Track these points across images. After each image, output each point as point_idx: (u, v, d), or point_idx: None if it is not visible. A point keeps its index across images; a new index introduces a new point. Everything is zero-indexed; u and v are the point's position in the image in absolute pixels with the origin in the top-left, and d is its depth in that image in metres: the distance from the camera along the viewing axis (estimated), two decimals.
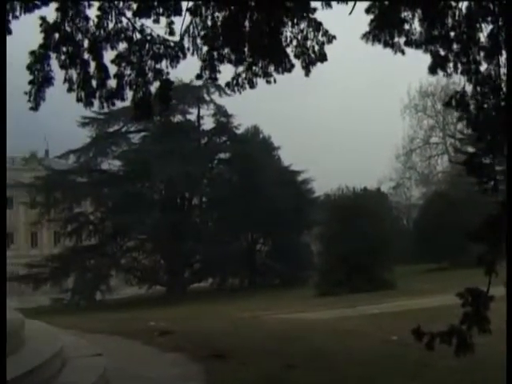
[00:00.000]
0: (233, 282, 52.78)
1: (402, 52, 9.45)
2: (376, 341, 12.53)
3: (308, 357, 10.36)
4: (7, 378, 6.48)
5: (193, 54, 9.48)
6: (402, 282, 33.72)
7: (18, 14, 8.75)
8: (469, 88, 8.46)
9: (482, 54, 8.56)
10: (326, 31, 9.70)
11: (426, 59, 9.51)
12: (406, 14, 9.40)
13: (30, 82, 9.15)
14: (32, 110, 9.23)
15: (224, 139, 54.52)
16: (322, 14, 9.65)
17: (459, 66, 8.91)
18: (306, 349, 11.24)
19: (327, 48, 9.87)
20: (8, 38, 8.77)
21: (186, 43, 9.49)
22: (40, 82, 9.14)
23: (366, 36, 9.11)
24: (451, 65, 9.04)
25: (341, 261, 35.03)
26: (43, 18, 8.98)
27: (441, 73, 9.45)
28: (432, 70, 9.30)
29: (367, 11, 9.18)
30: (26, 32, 10.53)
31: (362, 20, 9.41)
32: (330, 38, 9.77)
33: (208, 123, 52.95)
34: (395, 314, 18.77)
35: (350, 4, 8.91)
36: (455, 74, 9.09)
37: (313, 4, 9.53)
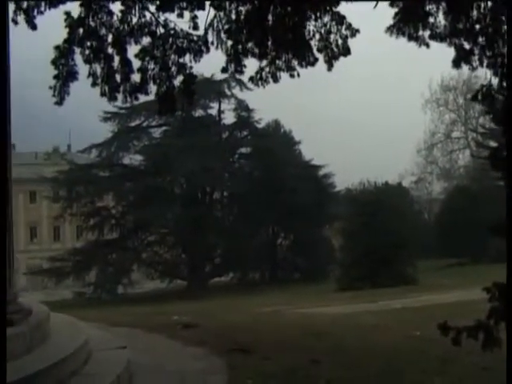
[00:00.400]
0: (254, 277, 52.91)
1: (427, 45, 9.38)
2: (399, 336, 12.45)
3: (331, 352, 10.31)
4: (34, 370, 6.55)
5: (217, 47, 9.48)
6: (424, 277, 33.55)
7: (42, 9, 8.80)
8: (495, 81, 8.35)
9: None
10: (350, 25, 9.63)
11: (448, 53, 9.44)
12: (430, 7, 9.33)
13: (55, 77, 9.20)
14: (57, 104, 9.29)
15: (245, 134, 54.58)
16: (345, 8, 9.60)
17: (484, 59, 8.83)
18: (329, 343, 11.19)
19: (350, 42, 9.83)
20: (33, 33, 8.83)
21: (210, 37, 9.49)
22: (64, 77, 9.19)
23: (390, 29, 9.06)
24: (476, 58, 8.97)
25: (362, 255, 34.95)
26: (68, 13, 9.02)
27: (465, 66, 9.39)
28: (456, 63, 9.23)
29: (391, 4, 9.12)
30: (50, 27, 10.58)
31: (380, 13, 9.35)
32: (354, 32, 9.70)
33: (229, 118, 53.13)
34: (418, 308, 18.67)
35: None
36: (480, 67, 9.01)
37: None
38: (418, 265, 36.67)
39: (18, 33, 8.79)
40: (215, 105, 52.59)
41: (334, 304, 22.79)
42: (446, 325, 5.96)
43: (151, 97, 10.16)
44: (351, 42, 9.70)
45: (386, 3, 9.01)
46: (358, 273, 34.34)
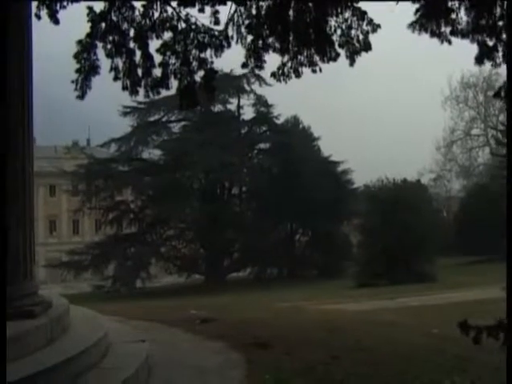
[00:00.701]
0: (271, 272, 52.87)
1: (449, 42, 9.32)
2: (417, 333, 12.41)
3: (350, 348, 10.29)
4: (54, 362, 6.60)
5: (237, 42, 9.50)
6: (442, 275, 33.38)
7: (65, 3, 8.84)
8: None
9: None
10: (371, 20, 9.61)
11: (469, 50, 9.38)
12: (452, 3, 9.27)
13: (77, 71, 9.26)
14: (79, 98, 9.35)
15: (264, 129, 54.52)
16: (365, 3, 9.56)
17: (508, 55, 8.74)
18: (348, 340, 11.17)
19: (371, 37, 9.79)
20: (55, 27, 8.87)
21: (231, 32, 9.50)
22: (86, 71, 9.25)
23: (412, 25, 9.01)
24: (500, 55, 8.89)
25: (380, 252, 34.85)
26: (90, 8, 9.08)
27: (487, 63, 9.33)
28: (479, 60, 9.17)
29: (413, 0, 9.07)
30: (73, 22, 10.64)
31: (401, 8, 9.29)
32: (375, 28, 9.68)
33: (248, 113, 53.11)
34: (436, 306, 18.61)
35: None
36: (504, 64, 8.94)
37: None
38: (436, 262, 36.49)
39: (40, 27, 8.85)
40: (234, 100, 52.69)
41: (351, 300, 22.76)
42: (466, 323, 5.93)
43: (171, 92, 10.21)
44: (372, 37, 9.67)
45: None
46: (376, 269, 34.28)
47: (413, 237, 34.41)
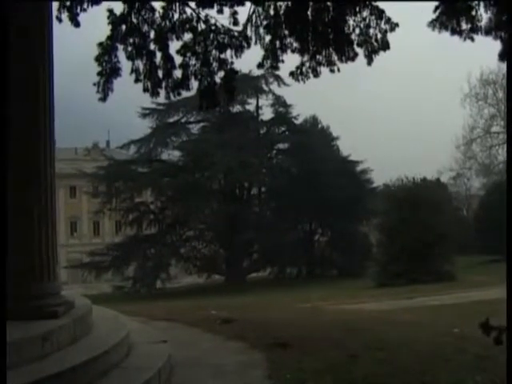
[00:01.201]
0: (291, 272, 52.86)
1: (471, 39, 9.26)
2: (437, 333, 12.34)
3: (370, 348, 10.26)
4: (77, 362, 6.67)
5: (256, 43, 9.53)
6: (462, 274, 33.19)
7: (85, 6, 8.92)
8: None
9: None
10: (389, 19, 9.60)
11: (488, 46, 9.32)
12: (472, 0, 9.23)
13: (99, 74, 9.34)
14: (101, 100, 9.43)
15: (283, 129, 54.54)
16: (383, 2, 9.55)
17: None
18: (368, 339, 11.14)
19: (389, 36, 9.78)
20: (76, 30, 8.95)
21: (249, 32, 9.53)
22: (108, 73, 9.31)
23: (432, 23, 8.98)
24: None
25: (400, 251, 34.70)
26: (110, 11, 9.14)
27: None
28: (502, 56, 9.12)
29: None
30: (93, 24, 10.73)
31: (418, 6, 9.26)
32: (393, 26, 9.67)
33: (267, 113, 53.10)
34: (456, 305, 18.52)
35: None
36: None
37: None
38: (456, 261, 36.28)
39: (61, 30, 8.93)
40: (253, 101, 52.73)
41: (371, 300, 22.72)
42: (488, 323, 5.90)
43: (190, 93, 10.25)
44: (389, 35, 9.66)
45: None
46: (396, 269, 34.13)
47: (432, 236, 34.23)
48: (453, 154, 70.96)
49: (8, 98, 7.52)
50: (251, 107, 53.07)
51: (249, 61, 11.23)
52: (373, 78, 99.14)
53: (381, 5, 9.36)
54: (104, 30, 9.31)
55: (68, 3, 8.90)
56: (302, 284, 42.12)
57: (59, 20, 8.85)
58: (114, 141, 70.89)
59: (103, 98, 9.42)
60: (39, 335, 6.98)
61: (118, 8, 9.14)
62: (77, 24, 9.01)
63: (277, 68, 10.21)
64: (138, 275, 46.77)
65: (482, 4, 9.16)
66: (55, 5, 8.65)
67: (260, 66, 10.17)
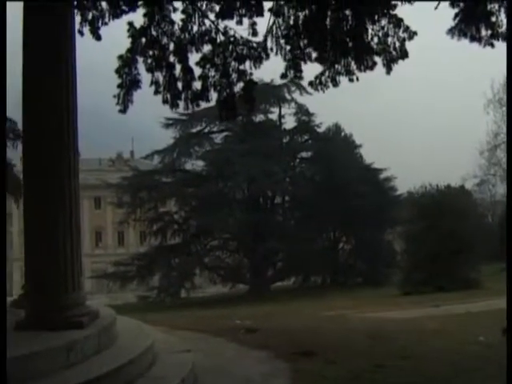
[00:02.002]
0: (315, 281, 52.70)
1: (491, 45, 9.22)
2: (462, 341, 12.24)
3: (395, 356, 10.22)
4: (102, 372, 6.73)
5: (276, 53, 9.57)
6: (488, 281, 32.79)
7: (106, 20, 9.04)
8: None
9: None
10: (407, 27, 9.59)
11: None
12: (491, 6, 9.19)
13: (119, 86, 9.43)
14: (121, 112, 9.52)
15: (306, 138, 54.50)
16: (401, 10, 9.56)
17: None
18: (393, 348, 11.10)
19: (408, 44, 9.77)
20: (97, 43, 9.07)
21: (269, 43, 9.58)
22: (128, 85, 9.41)
23: (451, 31, 8.96)
24: None
25: (425, 259, 34.42)
26: (130, 24, 9.25)
27: None
28: None
29: (452, 5, 9.03)
30: (114, 37, 10.85)
31: (438, 14, 9.24)
32: (411, 34, 9.66)
33: (289, 122, 53.07)
34: (482, 313, 18.30)
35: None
36: None
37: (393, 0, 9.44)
38: (482, 269, 35.91)
39: (83, 43, 9.05)
40: (275, 109, 52.69)
41: (396, 308, 22.56)
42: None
43: (212, 103, 10.31)
44: (409, 44, 9.65)
45: (444, 5, 8.93)
46: (420, 277, 33.85)
47: (457, 243, 33.92)
48: (477, 161, 70.34)
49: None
50: (274, 116, 53.10)
51: (270, 70, 11.30)
52: (394, 85, 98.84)
53: (399, 13, 9.38)
54: (124, 43, 9.44)
55: (90, 17, 9.02)
56: (327, 292, 41.93)
57: (81, 33, 8.97)
58: (138, 151, 71.37)
59: (123, 110, 9.51)
60: (64, 345, 7.06)
61: (138, 21, 9.27)
62: (98, 37, 9.12)
63: (300, 78, 10.26)
64: (162, 285, 46.86)
65: (502, 10, 9.12)
66: (77, 19, 8.78)
67: (283, 76, 10.22)
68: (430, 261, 33.90)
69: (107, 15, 8.93)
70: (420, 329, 14.42)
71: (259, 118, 51.79)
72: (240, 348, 11.40)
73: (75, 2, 8.59)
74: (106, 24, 9.00)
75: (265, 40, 9.44)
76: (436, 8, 8.64)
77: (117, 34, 10.07)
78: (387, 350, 10.98)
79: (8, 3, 7.60)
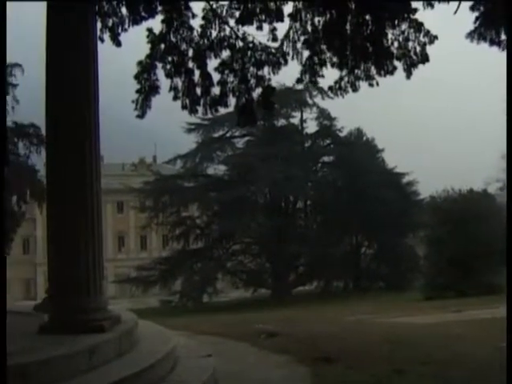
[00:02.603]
0: (337, 285, 52.54)
1: None
2: (485, 347, 12.10)
3: (417, 362, 10.14)
4: (123, 376, 6.78)
5: (293, 58, 9.58)
6: None
7: (126, 26, 9.12)
8: None
9: None
10: (428, 31, 9.56)
11: None
12: None
13: (137, 91, 9.51)
14: (138, 117, 9.60)
15: (327, 142, 54.47)
16: (422, 15, 9.53)
17: None
18: (415, 354, 11.02)
19: (429, 48, 9.74)
20: (117, 49, 9.15)
21: (286, 48, 9.60)
22: (147, 91, 9.47)
23: (470, 35, 8.92)
24: None
25: (448, 264, 34.20)
26: (150, 30, 9.32)
27: None
28: None
29: (472, 8, 8.99)
30: (134, 43, 10.94)
31: (458, 18, 9.19)
32: (432, 39, 9.63)
33: (311, 126, 53.06)
34: (505, 319, 18.10)
35: (452, 3, 8.73)
36: None
37: (413, 4, 9.41)
38: (506, 273, 35.47)
39: (104, 49, 9.14)
40: (297, 114, 52.76)
41: (418, 313, 22.41)
42: None
43: (232, 108, 10.34)
44: (429, 48, 9.62)
45: (464, 8, 8.89)
46: (443, 282, 33.66)
47: (480, 248, 33.64)
48: (499, 165, 69.63)
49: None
50: (295, 120, 53.18)
51: (291, 74, 11.30)
52: (416, 89, 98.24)
53: (419, 17, 9.34)
54: (143, 49, 9.51)
55: (110, 24, 9.10)
56: (349, 297, 41.82)
57: (101, 40, 9.06)
58: (161, 156, 71.62)
59: (141, 115, 9.57)
60: (86, 349, 7.13)
61: (157, 27, 9.33)
62: (118, 44, 9.20)
63: (316, 83, 10.27)
64: (184, 289, 47.01)
65: None
66: (97, 25, 8.85)
67: (299, 80, 10.23)
68: (452, 266, 33.67)
69: (127, 21, 9.01)
70: (442, 334, 14.30)
71: (281, 122, 51.90)
72: (261, 352, 11.40)
73: (96, 8, 8.67)
74: (125, 30, 9.08)
75: (281, 45, 9.46)
76: (455, 12, 8.60)
77: (136, 41, 10.15)
78: (409, 355, 10.91)
79: (30, 7, 7.71)
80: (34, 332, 7.90)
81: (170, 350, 8.48)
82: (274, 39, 9.45)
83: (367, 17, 9.34)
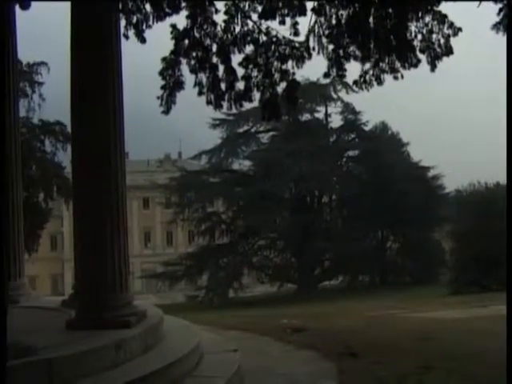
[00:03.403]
0: (363, 280, 52.38)
1: None
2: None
3: (443, 357, 10.06)
4: (149, 371, 6.82)
5: (318, 53, 9.55)
6: None
7: (150, 23, 9.14)
8: None
9: None
10: (452, 23, 9.46)
11: None
12: None
13: (162, 87, 9.52)
14: (163, 113, 9.61)
15: (352, 136, 54.26)
16: (446, 6, 9.43)
17: None
18: (441, 349, 10.95)
19: (453, 40, 9.65)
20: (142, 46, 9.19)
21: (311, 43, 9.56)
22: (171, 87, 9.49)
23: (496, 26, 8.81)
24: None
25: (473, 259, 33.90)
26: (174, 26, 9.33)
27: None
28: None
29: (495, 0, 8.88)
30: (158, 40, 10.97)
31: (481, 9, 9.08)
32: (456, 31, 9.53)
33: (336, 121, 52.93)
34: None
35: None
36: None
37: None
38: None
39: (129, 46, 9.20)
40: (322, 108, 52.63)
41: (444, 308, 22.25)
42: None
43: (257, 103, 10.33)
44: (455, 38, 9.52)
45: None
46: (469, 276, 33.38)
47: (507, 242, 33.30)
48: None
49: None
50: (320, 115, 53.09)
51: (315, 69, 11.26)
52: (439, 81, 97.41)
53: (443, 9, 9.26)
54: (167, 45, 9.53)
55: (134, 20, 9.13)
56: (375, 292, 41.66)
57: (126, 37, 9.08)
58: (186, 152, 71.91)
59: (166, 111, 9.59)
60: (113, 344, 7.18)
61: (181, 23, 9.34)
62: (143, 40, 9.22)
63: (343, 76, 10.22)
64: (210, 284, 47.12)
65: None
66: (122, 23, 8.90)
67: (326, 75, 10.18)
68: (478, 260, 33.38)
69: (151, 18, 9.03)
70: (468, 329, 14.17)
71: (305, 117, 51.86)
72: (286, 348, 11.39)
73: (120, 6, 8.71)
74: (149, 27, 9.10)
75: (307, 39, 9.43)
76: (478, 6, 8.50)
77: (160, 37, 10.18)
78: (435, 350, 10.84)
79: (55, 7, 7.77)
80: (61, 327, 7.97)
81: (196, 345, 8.50)
82: (296, 34, 9.39)
83: (390, 10, 9.27)
